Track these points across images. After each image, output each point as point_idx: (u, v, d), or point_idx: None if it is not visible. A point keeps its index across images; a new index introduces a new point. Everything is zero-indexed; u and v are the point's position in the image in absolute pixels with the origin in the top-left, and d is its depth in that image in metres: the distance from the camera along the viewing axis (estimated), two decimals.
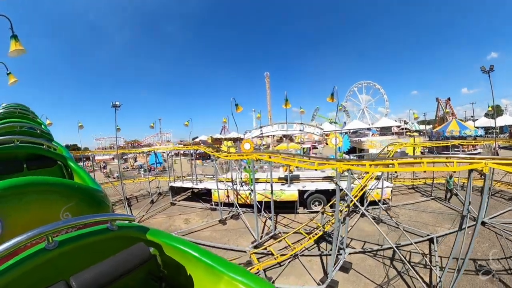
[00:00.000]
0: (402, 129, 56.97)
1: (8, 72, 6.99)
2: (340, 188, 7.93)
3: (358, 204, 8.77)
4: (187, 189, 17.75)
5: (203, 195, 16.93)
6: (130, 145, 79.77)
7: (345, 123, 70.50)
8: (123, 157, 63.88)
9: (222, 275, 1.12)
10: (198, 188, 16.38)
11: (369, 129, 57.38)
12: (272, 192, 11.42)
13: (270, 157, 10.55)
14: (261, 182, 15.50)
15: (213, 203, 15.09)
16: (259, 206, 12.42)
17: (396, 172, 16.50)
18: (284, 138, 61.48)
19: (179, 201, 17.07)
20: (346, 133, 53.07)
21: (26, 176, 1.60)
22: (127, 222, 1.49)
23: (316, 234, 10.18)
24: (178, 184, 17.13)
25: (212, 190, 14.89)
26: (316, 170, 10.84)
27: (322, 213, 11.28)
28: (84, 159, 63.59)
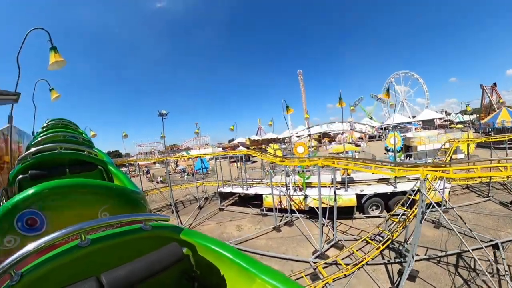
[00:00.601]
0: (445, 121, 53.02)
1: (51, 88, 7.29)
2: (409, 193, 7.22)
3: (439, 209, 8.19)
4: (235, 194, 17.58)
5: (251, 200, 16.66)
6: (170, 149, 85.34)
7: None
8: (165, 162, 67.73)
9: (255, 277, 1.11)
10: (248, 194, 16.08)
11: (410, 123, 53.84)
12: (335, 199, 10.77)
13: (335, 163, 9.78)
14: (315, 187, 14.95)
15: (264, 208, 14.76)
16: (319, 212, 11.93)
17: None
18: (322, 138, 60.33)
19: (226, 206, 17.00)
20: (386, 128, 50.12)
21: (69, 179, 1.79)
22: (161, 222, 1.54)
23: (384, 242, 9.29)
24: (227, 189, 17.04)
25: (264, 196, 14.65)
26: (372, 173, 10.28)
27: (388, 219, 10.32)
28: (128, 165, 68.89)
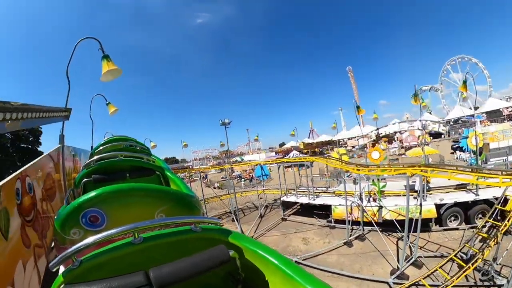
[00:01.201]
0: None
1: (107, 102, 7.45)
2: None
3: None
4: (297, 203, 17.04)
5: (315, 209, 15.97)
6: (224, 155, 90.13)
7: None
8: (219, 167, 71.12)
9: (300, 286, 1.13)
10: (316, 204, 15.40)
11: (472, 115, 45.54)
12: (421, 211, 9.71)
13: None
14: (389, 195, 13.84)
15: (332, 220, 14.09)
16: (396, 225, 11.12)
17: None
18: (380, 139, 55.32)
19: (289, 216, 16.74)
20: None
21: (127, 183, 2.09)
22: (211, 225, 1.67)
23: (474, 261, 7.86)
24: (291, 198, 16.61)
25: (333, 206, 13.97)
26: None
27: (476, 233, 8.87)
28: (186, 169, 73.67)
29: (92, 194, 1.86)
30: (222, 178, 42.73)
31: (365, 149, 51.31)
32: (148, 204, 2.02)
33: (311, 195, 15.70)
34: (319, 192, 16.50)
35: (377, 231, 12.06)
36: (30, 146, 39.14)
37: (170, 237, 1.49)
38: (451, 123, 49.26)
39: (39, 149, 41.20)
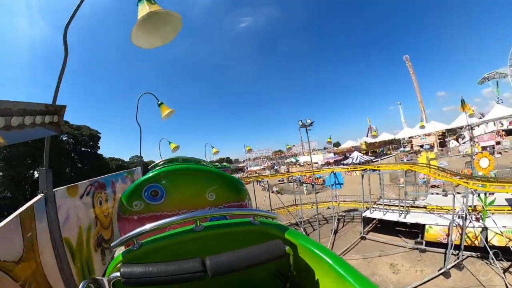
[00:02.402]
0: None
1: (160, 102, 6.63)
2: None
3: None
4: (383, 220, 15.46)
5: (396, 225, 14.80)
6: (277, 156, 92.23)
7: None
8: (274, 168, 71.85)
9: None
10: (407, 223, 14.00)
11: None
12: None
13: None
14: (497, 212, 12.07)
15: (424, 241, 12.80)
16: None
17: None
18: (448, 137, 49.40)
19: (367, 233, 15.67)
20: None
21: (182, 164, 2.62)
22: (269, 219, 1.80)
23: None
24: (376, 214, 15.08)
25: (427, 226, 12.70)
26: None
27: None
28: (240, 171, 75.82)
29: (154, 172, 2.31)
30: (279, 181, 43.31)
31: (434, 148, 47.78)
32: (200, 183, 2.39)
33: (402, 211, 14.19)
34: (408, 207, 14.69)
35: (478, 258, 11.09)
36: (89, 150, 44.14)
37: (229, 227, 1.64)
38: None
39: (98, 152, 46.47)
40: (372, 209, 15.88)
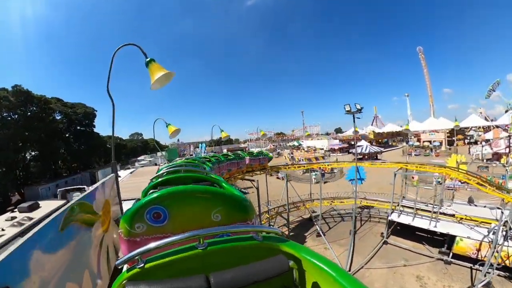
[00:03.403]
0: None
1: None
2: None
3: None
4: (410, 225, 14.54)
5: (417, 229, 14.44)
6: (280, 138, 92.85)
7: None
8: (277, 151, 71.61)
9: None
10: (438, 232, 13.44)
11: None
12: None
13: None
14: None
15: (451, 253, 12.48)
16: None
17: None
18: (456, 136, 49.10)
19: (388, 236, 15.29)
20: None
21: (185, 185, 2.60)
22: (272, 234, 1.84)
23: None
24: (403, 219, 14.33)
25: (458, 238, 12.27)
26: None
27: None
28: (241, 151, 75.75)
29: (157, 194, 2.26)
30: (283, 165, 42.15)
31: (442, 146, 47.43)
32: (205, 205, 2.32)
33: (432, 218, 13.53)
34: (436, 214, 13.74)
35: (506, 278, 10.90)
36: (84, 129, 43.11)
37: (233, 243, 1.67)
38: None
39: (95, 131, 44.93)
40: (397, 211, 15.27)
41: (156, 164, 51.44)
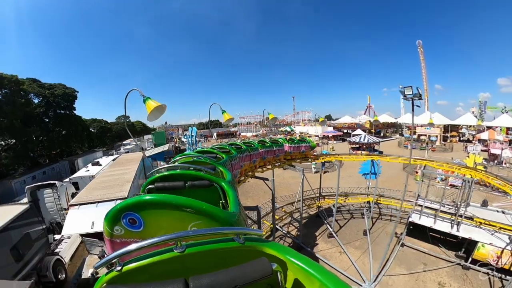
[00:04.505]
0: None
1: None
2: None
3: None
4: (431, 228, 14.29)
5: (432, 231, 14.35)
6: (272, 123, 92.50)
7: None
8: (269, 136, 71.15)
9: None
10: (459, 237, 13.36)
11: None
12: None
13: None
14: None
15: (470, 259, 12.68)
16: None
17: None
18: (450, 132, 51.35)
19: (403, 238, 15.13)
20: None
21: (161, 195, 2.41)
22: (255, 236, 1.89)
23: None
24: (425, 220, 14.12)
25: (479, 244, 12.40)
26: None
27: None
28: (231, 136, 75.51)
29: (130, 200, 2.27)
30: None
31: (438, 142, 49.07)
32: (182, 217, 2.31)
33: (453, 221, 13.54)
34: (461, 218, 13.54)
35: None
36: (63, 112, 40.68)
37: (212, 246, 1.65)
38: None
39: (77, 114, 42.22)
40: (417, 211, 15.06)
41: (142, 149, 50.26)
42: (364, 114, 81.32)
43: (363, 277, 12.18)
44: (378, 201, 19.05)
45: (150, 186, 3.49)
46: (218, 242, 1.70)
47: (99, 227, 10.35)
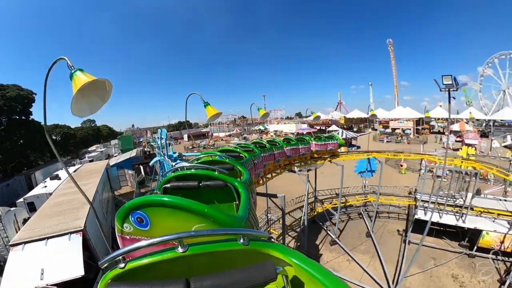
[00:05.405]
0: None
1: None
2: None
3: None
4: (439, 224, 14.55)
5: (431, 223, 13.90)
6: (244, 122, 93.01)
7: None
8: (243, 136, 71.26)
9: None
10: (464, 228, 13.84)
11: None
12: None
13: None
14: None
15: (476, 247, 13.37)
16: None
17: None
18: (422, 125, 55.84)
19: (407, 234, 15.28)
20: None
21: (167, 196, 2.39)
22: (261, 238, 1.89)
23: None
24: (432, 216, 13.72)
25: (484, 232, 13.08)
26: None
27: None
28: (203, 137, 73.80)
29: (137, 199, 2.31)
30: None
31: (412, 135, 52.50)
32: (187, 219, 2.34)
33: (459, 214, 13.87)
34: (467, 210, 13.81)
35: None
36: (18, 117, 37.07)
37: (216, 247, 1.67)
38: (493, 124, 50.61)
39: (36, 119, 38.46)
40: (421, 207, 15.16)
41: (109, 156, 47.05)
42: (336, 110, 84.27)
43: (381, 285, 12.14)
44: (381, 201, 18.79)
45: (165, 185, 3.58)
46: (221, 243, 1.70)
47: (52, 277, 8.18)
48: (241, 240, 1.72)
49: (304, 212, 14.84)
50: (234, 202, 3.65)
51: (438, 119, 59.39)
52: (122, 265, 1.49)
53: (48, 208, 12.50)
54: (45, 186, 20.35)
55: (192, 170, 3.98)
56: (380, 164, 16.74)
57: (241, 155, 6.92)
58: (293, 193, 20.16)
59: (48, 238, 9.39)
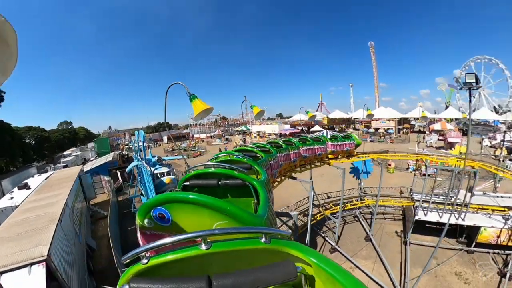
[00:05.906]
0: None
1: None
2: None
3: None
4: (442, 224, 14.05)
5: (427, 222, 15.04)
6: (227, 123, 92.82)
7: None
8: (225, 137, 70.86)
9: None
10: (463, 225, 14.31)
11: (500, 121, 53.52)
12: None
13: None
14: None
15: (474, 243, 13.84)
16: None
17: None
18: (402, 124, 58.70)
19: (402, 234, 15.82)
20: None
21: (193, 193, 2.49)
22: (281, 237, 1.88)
23: None
24: (431, 216, 14.61)
25: (482, 228, 13.56)
26: None
27: None
28: (183, 138, 72.64)
29: (159, 196, 2.43)
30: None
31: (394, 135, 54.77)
32: (208, 215, 2.44)
33: (457, 212, 14.34)
34: (466, 208, 14.29)
35: None
36: None
37: (238, 245, 1.71)
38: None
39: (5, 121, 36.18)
40: (420, 208, 15.33)
41: (85, 160, 43.90)
42: (317, 111, 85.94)
43: None
44: (380, 203, 18.48)
45: (185, 183, 3.71)
46: (244, 241, 1.74)
47: None
48: (263, 239, 1.74)
49: (308, 221, 14.66)
50: (253, 201, 3.70)
51: (417, 119, 61.83)
52: (144, 261, 1.52)
53: (7, 228, 10.23)
54: (12, 198, 17.15)
55: (212, 168, 4.08)
56: (380, 166, 16.72)
57: (257, 155, 7.11)
58: (289, 199, 20.53)
59: (1, 273, 7.25)
